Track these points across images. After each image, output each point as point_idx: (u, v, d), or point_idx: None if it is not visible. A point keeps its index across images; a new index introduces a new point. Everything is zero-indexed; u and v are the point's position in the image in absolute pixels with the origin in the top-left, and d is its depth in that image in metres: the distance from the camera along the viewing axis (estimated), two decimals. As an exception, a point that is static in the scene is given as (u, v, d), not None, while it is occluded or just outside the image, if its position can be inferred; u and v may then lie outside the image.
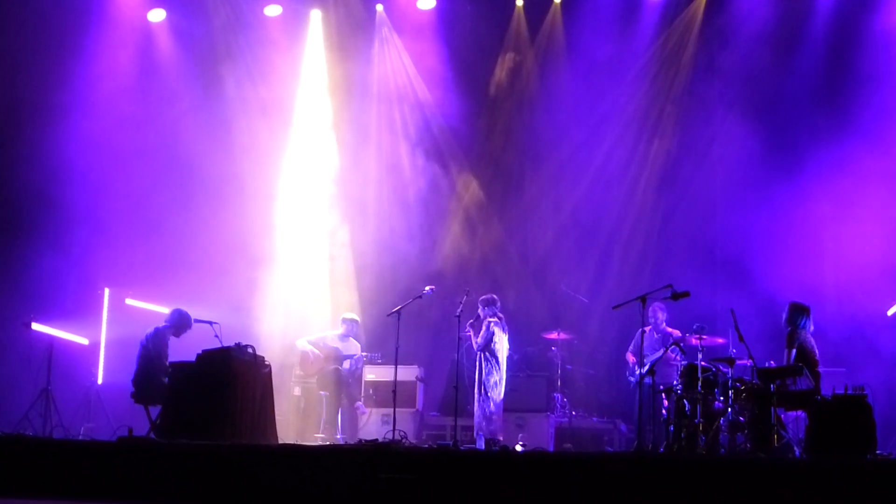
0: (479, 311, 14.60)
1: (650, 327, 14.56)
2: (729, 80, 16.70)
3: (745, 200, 16.40)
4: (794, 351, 12.57)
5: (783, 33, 16.46)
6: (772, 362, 12.96)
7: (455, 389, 14.04)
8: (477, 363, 14.53)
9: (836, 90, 16.19)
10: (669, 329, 14.69)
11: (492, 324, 14.49)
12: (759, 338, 13.37)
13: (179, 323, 13.66)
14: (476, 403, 14.45)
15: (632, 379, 14.64)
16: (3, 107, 16.93)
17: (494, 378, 14.40)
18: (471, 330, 14.64)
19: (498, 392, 14.43)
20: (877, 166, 15.33)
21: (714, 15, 16.96)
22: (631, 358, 14.70)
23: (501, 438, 14.16)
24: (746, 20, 16.56)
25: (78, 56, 16.88)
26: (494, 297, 14.71)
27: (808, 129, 16.27)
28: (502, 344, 14.55)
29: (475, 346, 14.58)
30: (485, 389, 14.30)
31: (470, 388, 14.67)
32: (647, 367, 13.00)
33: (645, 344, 13.48)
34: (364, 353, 15.85)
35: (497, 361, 14.45)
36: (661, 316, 14.76)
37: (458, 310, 14.34)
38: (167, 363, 13.28)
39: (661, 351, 13.99)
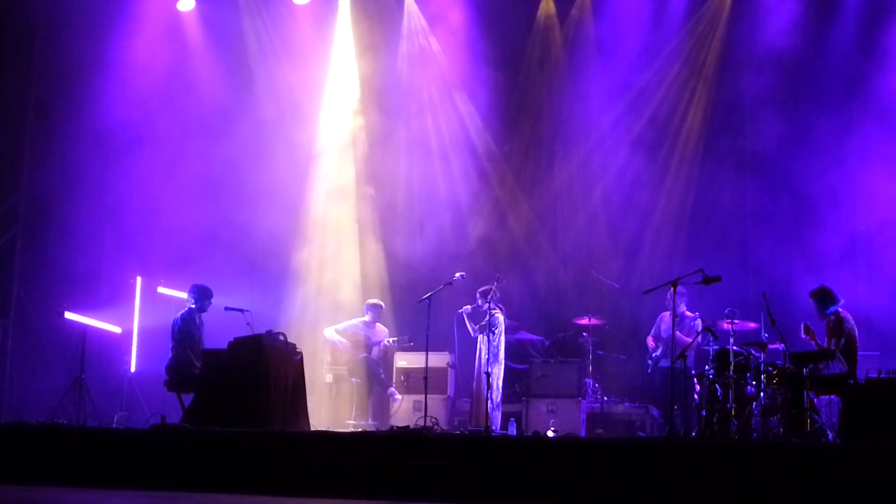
0: (479, 301, 14.84)
1: (670, 312, 14.53)
2: (759, 66, 16.50)
3: (775, 183, 16.31)
4: (843, 340, 12.53)
5: (814, 19, 16.31)
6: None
7: (487, 375, 14.10)
8: (480, 352, 14.80)
9: (866, 79, 16.05)
10: (689, 313, 14.66)
11: (497, 314, 14.72)
12: (791, 321, 13.26)
13: (202, 296, 13.63)
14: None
15: (649, 362, 14.98)
16: (36, 99, 17.07)
17: (496, 367, 14.64)
18: (467, 318, 14.93)
19: (498, 383, 14.67)
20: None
21: (743, 2, 16.85)
22: (651, 342, 14.78)
23: (495, 429, 14.13)
24: (777, 5, 16.42)
25: (109, 48, 16.92)
26: (491, 287, 14.82)
27: (837, 112, 16.12)
28: (501, 329, 14.83)
29: (471, 333, 14.91)
30: (489, 379, 14.25)
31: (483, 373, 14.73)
32: (679, 353, 12.90)
33: (664, 328, 13.42)
34: (392, 338, 15.88)
35: (500, 351, 14.76)
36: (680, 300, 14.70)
37: (489, 296, 14.45)
38: (203, 345, 13.35)
39: (694, 337, 13.83)
